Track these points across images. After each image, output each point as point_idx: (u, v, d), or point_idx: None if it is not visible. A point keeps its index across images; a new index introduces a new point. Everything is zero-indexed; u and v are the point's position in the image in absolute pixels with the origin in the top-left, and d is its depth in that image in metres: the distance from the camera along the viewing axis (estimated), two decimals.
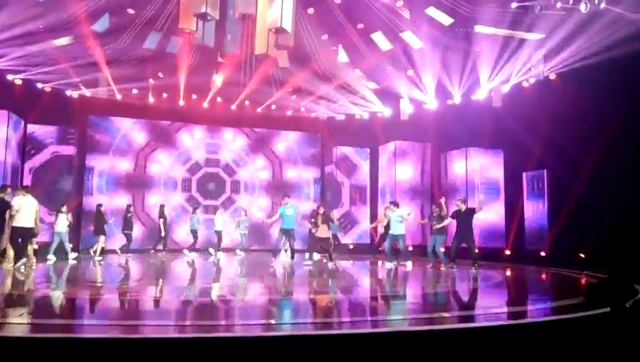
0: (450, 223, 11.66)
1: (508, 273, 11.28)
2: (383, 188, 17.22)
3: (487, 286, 9.14)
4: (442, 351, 4.23)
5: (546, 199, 12.91)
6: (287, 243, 11.92)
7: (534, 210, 13.28)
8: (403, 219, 11.38)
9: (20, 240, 9.79)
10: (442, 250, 11.49)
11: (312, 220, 12.69)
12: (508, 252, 13.84)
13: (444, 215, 11.53)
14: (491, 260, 13.33)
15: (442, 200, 11.69)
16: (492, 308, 6.51)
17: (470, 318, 5.64)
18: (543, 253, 12.65)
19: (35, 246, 11.37)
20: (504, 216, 14.29)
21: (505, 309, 6.51)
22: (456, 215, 11.22)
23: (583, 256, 11.31)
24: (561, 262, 11.34)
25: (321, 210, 12.37)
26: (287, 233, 11.63)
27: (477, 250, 11.49)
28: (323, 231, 12.04)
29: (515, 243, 13.73)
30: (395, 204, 11.98)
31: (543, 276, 10.62)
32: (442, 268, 11.10)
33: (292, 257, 11.79)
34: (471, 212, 11.11)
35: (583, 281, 9.13)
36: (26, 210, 9.75)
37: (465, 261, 11.22)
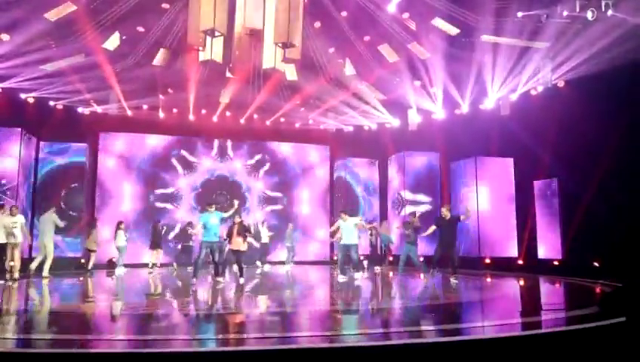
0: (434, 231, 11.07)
1: (520, 282, 11.16)
2: (392, 198, 17.17)
3: (499, 296, 9.05)
4: None
5: (558, 207, 12.79)
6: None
7: (546, 219, 13.16)
8: (355, 228, 11.02)
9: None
10: (422, 259, 11.17)
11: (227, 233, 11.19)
12: (520, 261, 13.70)
13: (418, 226, 11.48)
14: (503, 270, 13.21)
15: (417, 213, 11.64)
16: (504, 319, 6.44)
17: (482, 329, 5.59)
18: (556, 262, 12.51)
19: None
20: (516, 225, 14.17)
21: (517, 320, 6.43)
22: (440, 222, 10.77)
23: (597, 265, 11.17)
24: (574, 271, 11.21)
25: (238, 220, 11.07)
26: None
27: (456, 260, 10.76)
28: (237, 244, 10.74)
29: (527, 253, 13.59)
30: (347, 213, 11.47)
31: (556, 285, 10.50)
32: (422, 277, 10.88)
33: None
34: (456, 220, 10.70)
35: (597, 291, 9.00)
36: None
37: (444, 269, 11.05)
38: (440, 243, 10.66)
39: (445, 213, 10.69)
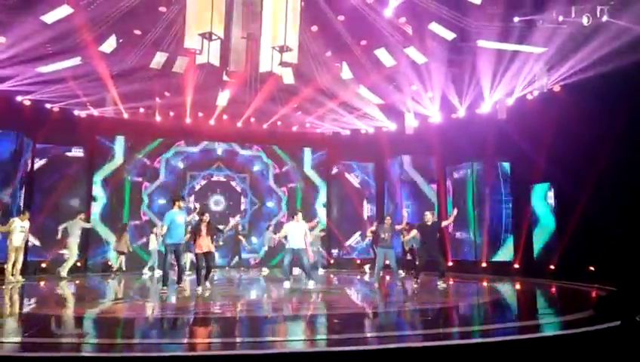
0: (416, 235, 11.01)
1: (516, 286, 11.17)
2: (389, 202, 17.21)
3: (495, 300, 9.05)
4: None
5: (554, 211, 12.83)
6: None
7: (542, 223, 13.18)
8: (304, 232, 10.15)
9: None
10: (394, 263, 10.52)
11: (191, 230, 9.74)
12: (516, 265, 13.72)
13: (398, 229, 11.15)
14: (500, 274, 13.23)
15: (388, 217, 10.84)
16: (500, 323, 6.44)
17: (478, 333, 5.59)
18: (551, 266, 12.53)
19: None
20: (512, 230, 14.19)
21: (513, 324, 6.44)
22: (422, 227, 10.58)
23: (592, 268, 11.19)
24: (570, 275, 11.23)
25: (206, 218, 9.64)
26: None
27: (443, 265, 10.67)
28: (205, 244, 9.43)
29: (523, 257, 13.61)
30: (296, 215, 10.56)
31: (552, 289, 10.51)
32: (398, 283, 10.42)
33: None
34: (438, 224, 10.68)
35: (593, 294, 9.02)
36: None
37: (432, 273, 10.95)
38: (422, 248, 10.55)
39: (428, 217, 10.58)
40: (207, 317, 6.75)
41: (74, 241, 12.94)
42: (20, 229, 11.41)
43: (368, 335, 5.56)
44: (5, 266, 11.39)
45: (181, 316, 6.92)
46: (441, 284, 10.10)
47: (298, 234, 10.03)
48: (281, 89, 14.35)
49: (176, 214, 9.10)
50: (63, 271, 12.64)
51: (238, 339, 5.24)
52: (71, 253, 12.94)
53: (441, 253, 10.84)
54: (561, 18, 10.32)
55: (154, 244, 14.08)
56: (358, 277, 13.80)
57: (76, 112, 15.54)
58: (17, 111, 13.98)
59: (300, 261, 10.10)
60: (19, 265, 11.50)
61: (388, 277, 12.24)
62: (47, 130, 14.59)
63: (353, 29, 11.94)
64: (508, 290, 10.66)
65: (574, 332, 5.07)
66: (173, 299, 8.51)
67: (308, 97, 15.21)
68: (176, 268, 9.78)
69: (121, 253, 14.49)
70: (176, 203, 9.23)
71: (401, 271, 11.52)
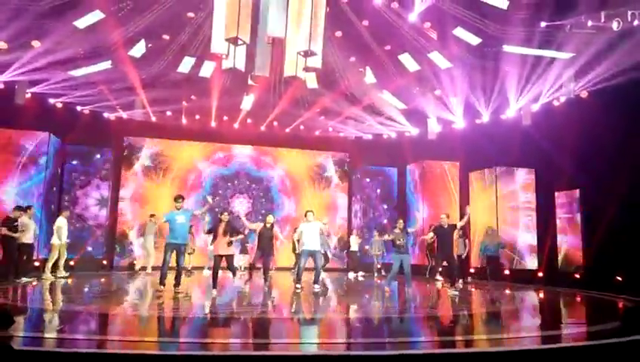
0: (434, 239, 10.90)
1: (541, 295, 11.00)
2: (411, 207, 17.13)
3: (519, 308, 8.93)
4: None
5: (580, 219, 12.60)
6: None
7: (568, 231, 12.96)
8: (320, 233, 10.00)
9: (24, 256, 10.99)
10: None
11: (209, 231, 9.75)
12: (540, 274, 13.50)
13: (411, 231, 10.74)
14: (523, 282, 13.04)
15: (401, 221, 10.52)
16: (523, 332, 6.37)
17: (499, 341, 5.54)
18: (577, 276, 12.29)
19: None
20: (536, 237, 13.97)
21: (537, 333, 6.36)
22: (439, 230, 10.34)
23: (619, 279, 10.95)
24: (596, 285, 11.00)
25: (225, 217, 9.29)
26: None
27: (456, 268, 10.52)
28: (222, 247, 9.17)
29: (547, 265, 13.39)
30: (307, 215, 10.15)
31: (577, 299, 10.32)
32: (407, 289, 9.97)
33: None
34: (453, 227, 10.47)
35: (620, 305, 8.83)
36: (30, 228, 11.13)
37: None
38: (439, 251, 10.31)
39: (445, 220, 10.39)
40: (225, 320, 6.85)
41: (150, 242, 14.13)
42: (63, 227, 11.98)
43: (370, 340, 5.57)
44: (46, 263, 11.86)
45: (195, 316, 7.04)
46: (452, 291, 9.90)
47: (313, 234, 9.82)
48: (305, 93, 14.48)
49: (177, 215, 8.95)
50: (149, 268, 13.93)
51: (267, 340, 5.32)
52: (149, 253, 14.11)
53: (453, 257, 10.61)
54: (590, 23, 10.17)
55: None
56: (377, 281, 13.76)
57: (106, 115, 15.95)
58: (49, 113, 14.44)
59: (315, 263, 9.90)
60: (62, 261, 12.09)
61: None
62: (78, 131, 14.98)
63: (377, 34, 11.99)
64: (531, 299, 10.50)
65: (600, 344, 4.99)
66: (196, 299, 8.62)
67: (331, 102, 15.30)
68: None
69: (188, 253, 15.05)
70: (176, 202, 9.11)
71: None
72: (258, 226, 10.64)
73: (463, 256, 13.56)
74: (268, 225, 10.47)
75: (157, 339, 5.34)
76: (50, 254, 11.93)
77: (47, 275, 11.61)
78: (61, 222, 12.00)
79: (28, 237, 11.05)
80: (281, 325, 6.60)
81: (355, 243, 15.47)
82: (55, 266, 11.97)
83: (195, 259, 15.12)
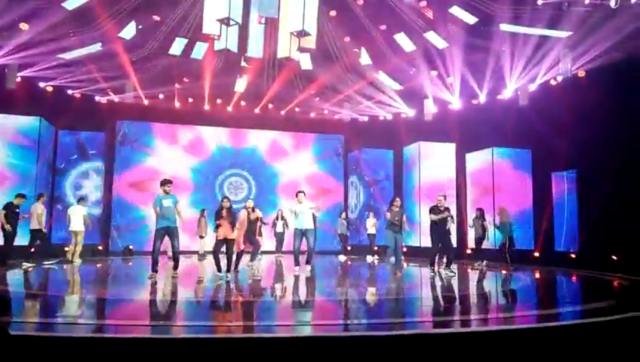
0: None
1: (537, 275, 11.05)
2: (407, 189, 17.08)
3: (516, 287, 8.98)
4: (472, 354, 4.19)
5: (576, 199, 12.59)
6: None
7: (564, 211, 12.97)
8: (314, 211, 9.95)
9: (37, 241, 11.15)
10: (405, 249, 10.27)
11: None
12: (537, 254, 13.55)
13: (404, 215, 10.50)
14: (520, 262, 13.08)
15: (398, 200, 10.48)
16: (520, 311, 6.40)
17: (495, 320, 5.56)
18: (573, 255, 12.35)
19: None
20: (532, 218, 13.99)
21: (533, 312, 6.38)
22: (437, 211, 10.02)
23: (615, 258, 11.00)
24: (591, 264, 11.05)
25: (227, 204, 9.18)
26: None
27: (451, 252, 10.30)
28: (223, 232, 9.10)
29: (544, 245, 13.43)
30: (303, 193, 10.07)
31: (573, 278, 10.38)
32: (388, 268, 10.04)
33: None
34: (448, 210, 10.15)
35: (615, 284, 8.88)
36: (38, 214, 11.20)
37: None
38: (436, 234, 10.05)
39: (442, 201, 10.14)
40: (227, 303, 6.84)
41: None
42: (79, 214, 12.22)
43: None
44: (67, 249, 12.29)
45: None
46: (448, 273, 9.76)
47: (306, 214, 9.75)
48: (299, 75, 14.31)
49: (163, 198, 8.84)
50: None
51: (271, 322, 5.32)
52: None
53: (449, 239, 10.33)
54: (587, 1, 10.01)
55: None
56: (375, 262, 13.77)
57: (97, 98, 15.74)
58: (39, 97, 14.22)
59: (308, 242, 9.74)
60: (79, 248, 12.24)
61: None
62: (69, 115, 14.76)
63: (372, 14, 11.79)
64: (527, 279, 10.55)
65: (595, 321, 5.01)
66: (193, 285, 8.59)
67: (326, 83, 15.14)
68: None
69: (200, 237, 15.20)
70: (163, 186, 8.98)
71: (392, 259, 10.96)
72: (244, 214, 10.53)
73: (486, 239, 12.92)
74: (249, 209, 10.64)
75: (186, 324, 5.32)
76: (76, 240, 12.17)
77: (77, 260, 12.01)
78: (77, 209, 12.30)
79: (34, 224, 11.11)
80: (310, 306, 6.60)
81: (371, 226, 15.25)
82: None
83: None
